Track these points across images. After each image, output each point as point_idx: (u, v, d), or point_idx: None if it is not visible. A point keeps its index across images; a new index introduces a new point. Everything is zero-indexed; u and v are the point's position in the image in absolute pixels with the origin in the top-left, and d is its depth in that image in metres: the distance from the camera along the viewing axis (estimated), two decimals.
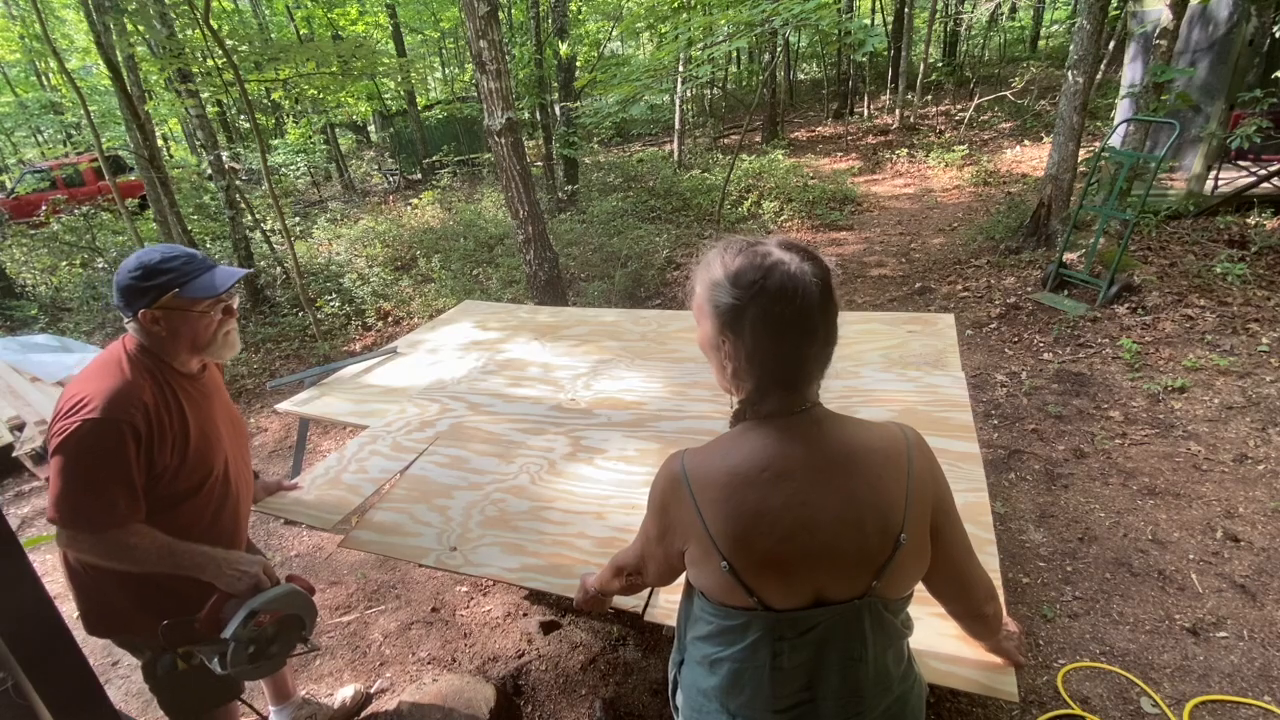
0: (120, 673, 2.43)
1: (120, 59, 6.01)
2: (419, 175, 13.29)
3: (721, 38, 5.54)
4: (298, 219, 9.41)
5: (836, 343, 0.88)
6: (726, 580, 0.88)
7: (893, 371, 2.20)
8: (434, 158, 12.10)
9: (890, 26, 14.69)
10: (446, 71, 18.87)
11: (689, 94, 14.75)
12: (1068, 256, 4.87)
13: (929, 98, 14.12)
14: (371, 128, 16.27)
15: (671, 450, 1.00)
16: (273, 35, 14.01)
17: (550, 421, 2.15)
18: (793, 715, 0.94)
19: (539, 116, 10.84)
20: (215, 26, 5.20)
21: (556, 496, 1.80)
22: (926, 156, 10.17)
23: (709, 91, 17.23)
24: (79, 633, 2.69)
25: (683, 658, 1.06)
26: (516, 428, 2.13)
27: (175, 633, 1.36)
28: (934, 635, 1.26)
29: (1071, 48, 5.30)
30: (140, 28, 6.08)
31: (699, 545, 0.89)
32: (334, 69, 6.98)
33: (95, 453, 1.23)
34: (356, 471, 1.97)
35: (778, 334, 0.83)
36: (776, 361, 0.85)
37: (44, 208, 6.78)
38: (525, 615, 2.44)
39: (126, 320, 1.37)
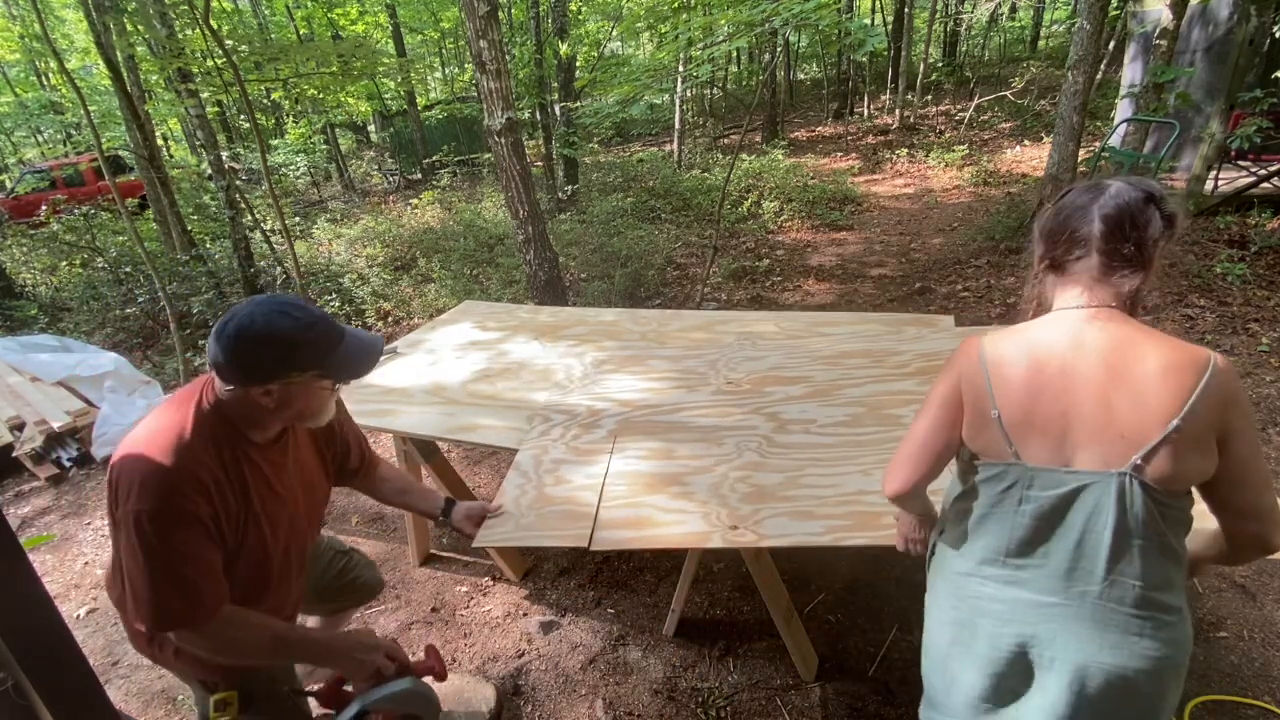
0: (120, 673, 2.43)
1: (120, 59, 6.01)
2: (419, 175, 13.29)
3: (721, 38, 5.54)
4: (298, 219, 9.41)
5: (1151, 266, 0.99)
6: (994, 430, 1.02)
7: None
8: (434, 158, 12.10)
9: (890, 26, 14.68)
10: (446, 71, 18.87)
11: (689, 94, 14.75)
12: None
13: (929, 98, 14.12)
14: (371, 128, 16.26)
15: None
16: (273, 35, 14.01)
17: (727, 405, 2.17)
18: (1023, 563, 1.05)
19: (539, 116, 10.83)
20: (215, 26, 5.19)
21: (799, 466, 1.83)
22: (926, 156, 10.17)
23: (709, 91, 17.22)
24: (79, 633, 2.69)
25: (944, 527, 1.22)
26: (694, 415, 2.13)
27: (294, 697, 1.29)
28: None
29: (1071, 48, 5.31)
30: (140, 28, 6.08)
31: (977, 403, 1.04)
32: (334, 69, 6.97)
33: (160, 545, 1.07)
34: (557, 483, 1.87)
35: (1061, 227, 1.01)
36: (1057, 249, 1.03)
37: (44, 208, 6.77)
38: (525, 615, 2.44)
39: (224, 388, 1.16)
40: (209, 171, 6.70)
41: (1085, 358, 0.97)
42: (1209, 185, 5.66)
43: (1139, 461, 0.93)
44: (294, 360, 1.14)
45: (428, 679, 1.34)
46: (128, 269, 6.32)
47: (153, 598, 1.08)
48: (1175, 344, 0.96)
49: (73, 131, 17.33)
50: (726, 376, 2.35)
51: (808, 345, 2.55)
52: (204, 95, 6.40)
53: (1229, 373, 0.94)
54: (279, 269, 6.56)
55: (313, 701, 1.36)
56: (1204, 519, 1.05)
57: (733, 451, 1.93)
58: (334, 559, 1.73)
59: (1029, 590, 1.05)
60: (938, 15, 15.25)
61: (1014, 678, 1.09)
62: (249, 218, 6.44)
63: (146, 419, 1.19)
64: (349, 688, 1.29)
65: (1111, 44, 9.14)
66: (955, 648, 1.15)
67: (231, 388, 1.15)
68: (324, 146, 12.97)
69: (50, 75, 17.16)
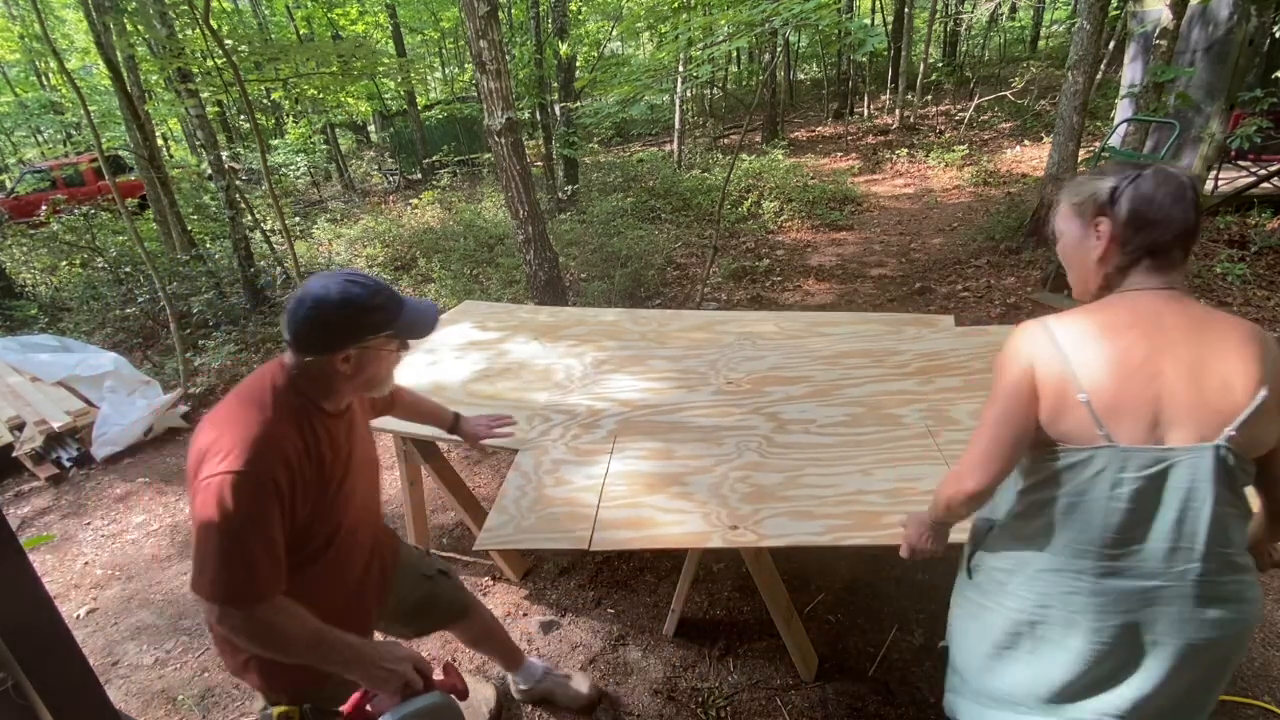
0: (120, 673, 2.43)
1: (120, 59, 6.01)
2: (419, 175, 13.29)
3: (721, 38, 5.53)
4: (298, 219, 9.42)
5: (1196, 242, 1.06)
6: (1083, 415, 1.00)
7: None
8: (434, 158, 12.09)
9: (890, 26, 14.68)
10: (446, 71, 18.86)
11: (689, 94, 14.75)
12: None
13: (929, 98, 14.12)
14: (371, 128, 16.26)
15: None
16: (273, 35, 14.01)
17: (727, 405, 2.17)
18: (1120, 551, 1.03)
19: (539, 116, 10.83)
20: (215, 26, 5.20)
21: (799, 466, 1.84)
22: (926, 156, 10.17)
23: (709, 91, 17.22)
24: (79, 633, 2.69)
25: (1001, 525, 1.20)
26: (694, 415, 2.14)
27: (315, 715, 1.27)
28: None
29: (1071, 48, 5.30)
30: (140, 28, 6.08)
31: (1059, 389, 1.02)
32: (334, 69, 6.97)
33: (235, 513, 1.09)
34: (557, 484, 1.87)
35: (1154, 208, 1.02)
36: (1152, 232, 1.03)
37: (44, 208, 6.76)
38: (525, 615, 2.44)
39: (304, 357, 1.21)
40: (209, 171, 6.70)
41: (1170, 337, 0.99)
42: (1209, 185, 5.66)
43: (1232, 433, 0.95)
44: (368, 324, 1.21)
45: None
46: (128, 269, 6.32)
47: (216, 567, 1.09)
48: (1234, 318, 1.03)
49: (73, 131, 17.33)
50: (726, 376, 2.35)
51: (807, 345, 2.55)
52: (204, 95, 6.40)
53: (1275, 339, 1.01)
54: (279, 269, 6.57)
55: None
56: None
57: (733, 451, 1.93)
58: (419, 581, 1.70)
59: (1129, 578, 1.04)
60: (938, 15, 15.25)
61: (1113, 665, 1.08)
62: (249, 218, 6.44)
63: (228, 397, 1.25)
64: (370, 707, 1.26)
65: (1111, 44, 9.14)
66: (1042, 645, 1.13)
67: (311, 359, 1.21)
68: (324, 146, 12.97)
69: (50, 75, 17.16)
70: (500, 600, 2.53)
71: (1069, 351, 1.02)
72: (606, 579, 2.58)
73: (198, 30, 5.33)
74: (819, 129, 13.82)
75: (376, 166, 14.23)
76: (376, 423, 2.31)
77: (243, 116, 13.93)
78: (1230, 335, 0.99)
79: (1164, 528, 1.00)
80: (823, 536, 1.59)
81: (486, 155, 10.76)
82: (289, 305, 1.19)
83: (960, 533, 1.35)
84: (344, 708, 1.24)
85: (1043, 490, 1.09)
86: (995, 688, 1.21)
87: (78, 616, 2.73)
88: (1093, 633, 1.07)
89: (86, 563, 3.11)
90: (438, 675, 1.34)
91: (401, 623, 1.71)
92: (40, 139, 18.62)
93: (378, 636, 1.58)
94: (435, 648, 2.36)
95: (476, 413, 1.93)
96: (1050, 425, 1.04)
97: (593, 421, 2.16)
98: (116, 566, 3.05)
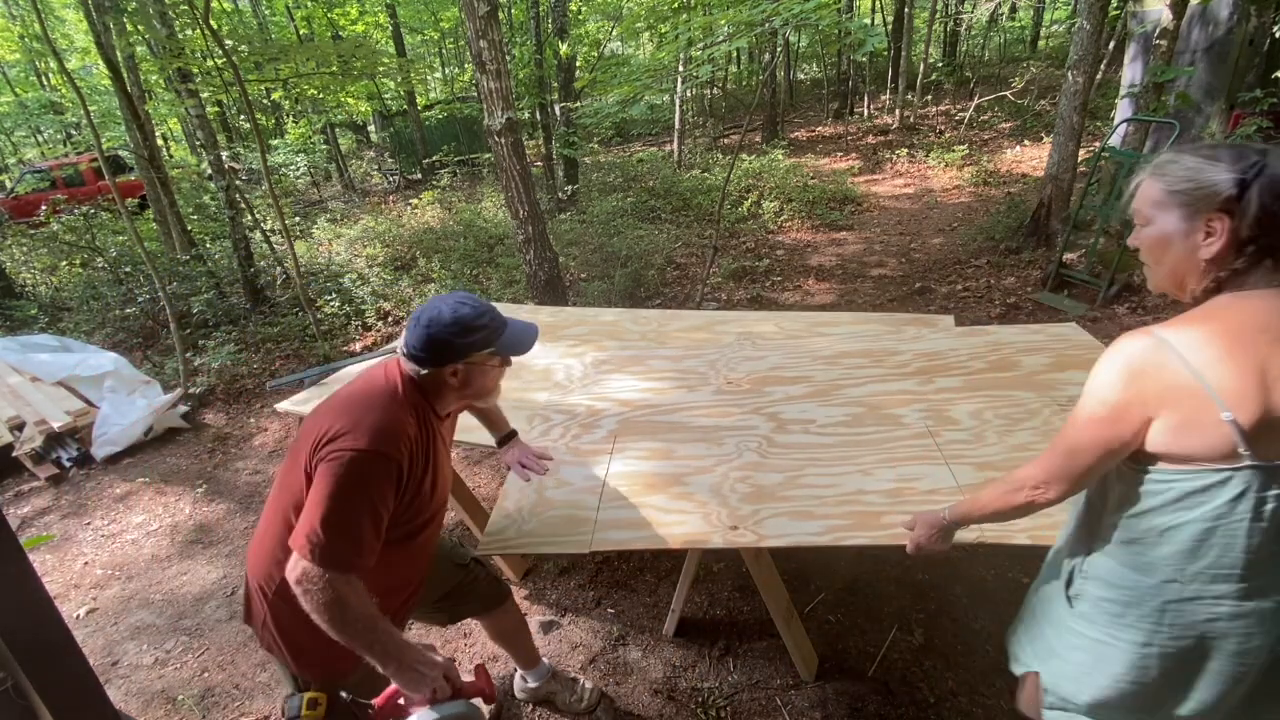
0: (120, 673, 2.43)
1: (120, 59, 6.01)
2: (419, 175, 13.29)
3: (721, 38, 5.53)
4: (298, 219, 9.41)
5: None
6: (1223, 434, 0.91)
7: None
8: (434, 158, 12.09)
9: (890, 26, 14.69)
10: (446, 71, 18.87)
11: (689, 94, 14.75)
12: (1068, 256, 4.88)
13: (929, 98, 14.12)
14: (371, 128, 16.26)
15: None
16: (273, 35, 14.01)
17: (727, 405, 2.17)
18: (1264, 571, 0.97)
19: (539, 116, 10.83)
20: (215, 26, 5.19)
21: (798, 465, 1.85)
22: (926, 156, 10.17)
23: (709, 91, 17.22)
24: (79, 633, 2.69)
25: (1090, 548, 1.14)
26: (694, 415, 2.14)
27: (353, 709, 1.33)
28: None
29: (1071, 48, 5.30)
30: (140, 28, 6.08)
31: (1187, 406, 0.93)
32: (334, 69, 6.97)
33: (358, 486, 1.19)
34: (558, 485, 1.88)
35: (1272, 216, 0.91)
36: (1278, 238, 0.92)
37: (44, 208, 6.76)
38: (525, 615, 2.44)
39: (420, 369, 1.35)
40: (209, 171, 6.70)
41: None
42: None
43: None
44: (474, 342, 1.35)
45: (477, 700, 1.36)
46: (128, 269, 6.32)
47: (323, 531, 1.17)
48: None
49: (73, 131, 17.34)
50: (726, 376, 2.35)
51: (807, 345, 2.55)
52: (204, 95, 6.40)
53: None
54: (279, 269, 6.57)
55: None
56: None
57: (733, 451, 1.93)
58: (453, 570, 1.74)
59: (1271, 598, 0.99)
60: (938, 15, 15.25)
61: (1250, 686, 1.05)
62: (249, 218, 6.44)
63: (350, 385, 1.40)
64: (401, 702, 1.30)
65: (1111, 44, 9.14)
66: (1174, 674, 1.08)
67: (426, 371, 1.35)
68: (324, 146, 12.97)
69: (50, 75, 17.16)
70: None
71: (1201, 368, 0.92)
72: (606, 579, 2.58)
73: (198, 30, 5.33)
74: (819, 129, 13.82)
75: (376, 166, 14.23)
76: None
77: (243, 116, 13.93)
78: None
79: None
80: (823, 537, 1.59)
81: (486, 155, 10.76)
82: (409, 323, 1.36)
83: (966, 532, 1.35)
84: (376, 701, 1.30)
85: (1164, 515, 1.00)
86: (1114, 716, 1.16)
87: (78, 616, 2.73)
88: (1238, 656, 1.02)
89: (86, 563, 3.11)
90: (468, 677, 1.39)
91: (434, 609, 1.75)
92: (40, 139, 18.62)
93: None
94: (435, 647, 2.36)
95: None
96: (1171, 445, 0.96)
97: (592, 421, 2.16)
98: (116, 566, 3.05)
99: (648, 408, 2.21)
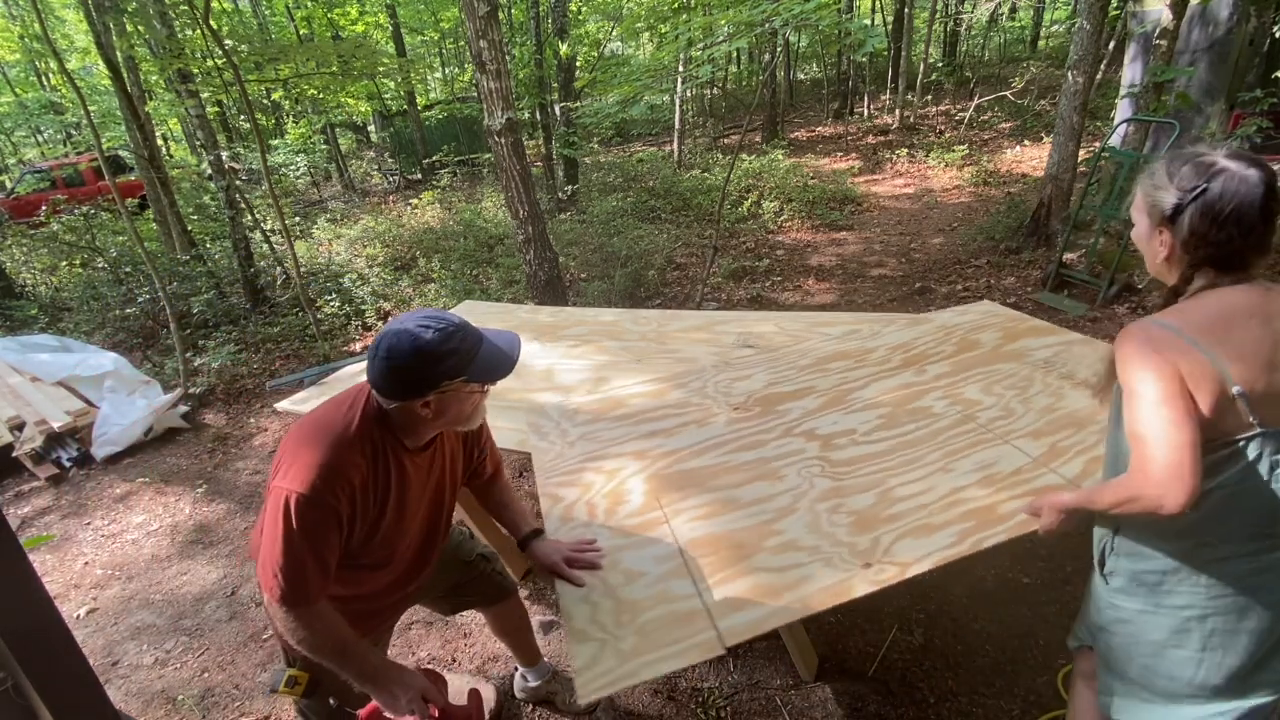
0: (120, 673, 2.43)
1: (120, 59, 6.01)
2: (419, 175, 13.29)
3: (721, 38, 5.54)
4: (298, 219, 9.41)
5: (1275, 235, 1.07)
6: (1233, 408, 1.04)
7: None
8: (434, 158, 12.09)
9: (890, 26, 14.69)
10: (446, 71, 18.87)
11: (689, 94, 14.75)
12: (1068, 256, 4.88)
13: (929, 98, 14.13)
14: (371, 128, 16.26)
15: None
16: (273, 35, 14.01)
17: (753, 433, 1.97)
18: None
19: (539, 116, 10.84)
20: (215, 26, 5.19)
21: (877, 479, 1.71)
22: (926, 156, 10.17)
23: (709, 91, 17.22)
24: (79, 633, 2.69)
25: (1117, 525, 1.24)
26: (727, 453, 1.89)
27: (340, 716, 1.39)
28: None
29: (1071, 48, 5.31)
30: (140, 28, 6.08)
31: (1206, 386, 1.04)
32: (334, 69, 6.97)
33: (297, 528, 1.19)
34: (630, 580, 1.54)
35: (1217, 227, 1.05)
36: (1213, 249, 1.07)
37: (44, 208, 6.76)
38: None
39: (389, 404, 1.26)
40: (209, 171, 6.70)
41: None
42: None
43: None
44: (442, 371, 1.21)
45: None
46: (128, 269, 6.32)
47: (271, 568, 1.21)
48: None
49: (73, 131, 17.34)
50: (729, 402, 2.17)
51: (784, 358, 2.47)
52: (204, 95, 6.40)
53: None
54: (279, 269, 6.57)
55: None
56: None
57: (800, 482, 1.74)
58: (459, 567, 1.75)
59: None
60: (938, 15, 15.25)
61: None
62: (249, 218, 6.44)
63: (319, 408, 1.33)
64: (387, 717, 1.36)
65: (1111, 44, 9.14)
66: (1215, 636, 1.16)
67: (394, 405, 1.25)
68: (324, 146, 12.97)
69: (50, 75, 17.16)
70: None
71: (1209, 349, 1.04)
72: None
73: (198, 30, 5.33)
74: (819, 129, 13.82)
75: (376, 166, 14.23)
76: None
77: (243, 116, 13.93)
78: None
79: None
80: (959, 546, 1.47)
81: (486, 155, 10.76)
82: (368, 352, 1.24)
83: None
84: (361, 713, 1.35)
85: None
86: (1164, 686, 1.22)
87: (78, 616, 2.73)
88: (1274, 609, 1.12)
89: (86, 563, 3.11)
90: (461, 700, 1.41)
91: (438, 598, 1.77)
92: (40, 139, 18.63)
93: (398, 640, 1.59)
94: (435, 647, 2.36)
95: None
96: (1211, 424, 1.05)
97: (620, 489, 1.87)
98: (116, 566, 3.05)
99: (667, 456, 1.91)
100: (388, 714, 1.34)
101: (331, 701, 1.44)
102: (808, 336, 2.64)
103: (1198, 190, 1.06)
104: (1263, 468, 1.06)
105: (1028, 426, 1.89)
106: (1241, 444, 1.05)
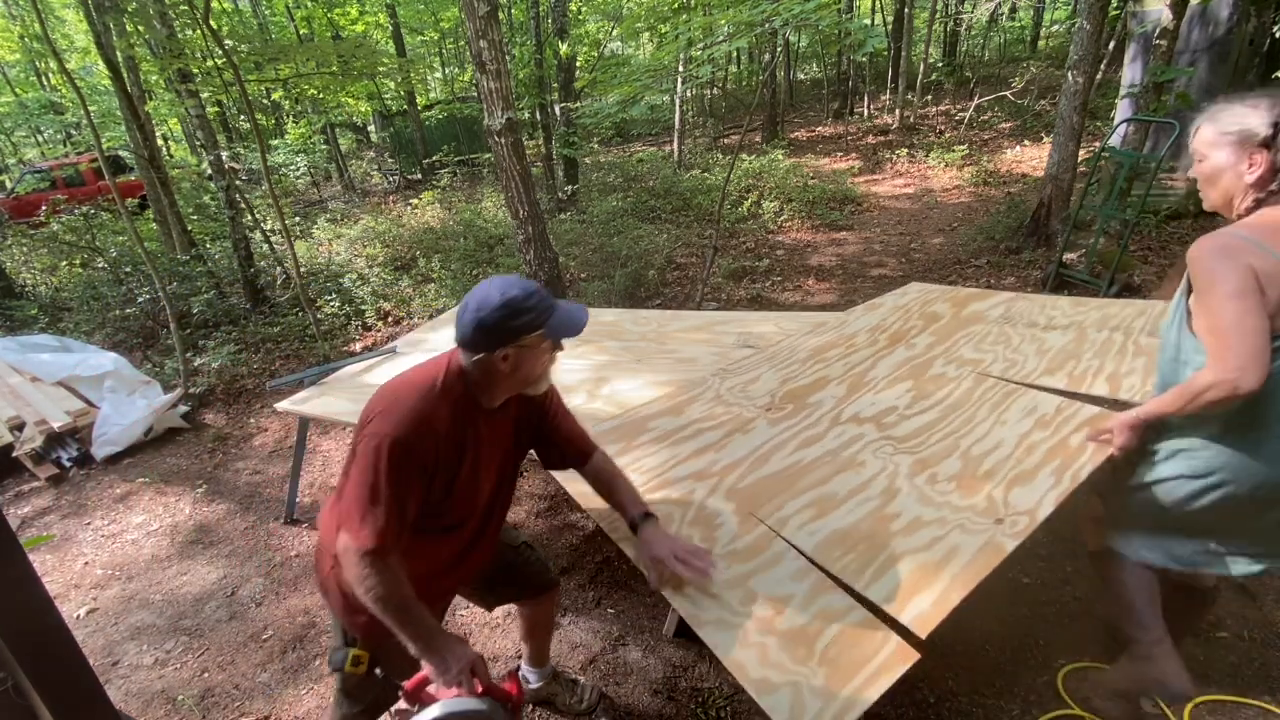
0: (120, 673, 2.43)
1: (120, 59, 6.01)
2: (419, 175, 13.29)
3: (721, 38, 5.54)
4: (298, 219, 9.42)
5: None
6: None
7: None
8: (434, 158, 12.10)
9: (890, 26, 14.69)
10: (446, 71, 18.86)
11: (689, 94, 14.75)
12: (1068, 256, 4.88)
13: (929, 98, 14.12)
14: (371, 128, 16.27)
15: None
16: (273, 35, 14.01)
17: (800, 430, 1.96)
18: None
19: (539, 116, 10.84)
20: (215, 26, 5.19)
21: (950, 447, 1.79)
22: (926, 156, 10.17)
23: (709, 91, 17.22)
24: (79, 633, 2.69)
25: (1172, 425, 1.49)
26: (788, 454, 1.86)
27: (385, 686, 1.41)
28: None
29: (1071, 48, 5.30)
30: (140, 28, 6.08)
31: (1276, 285, 1.25)
32: (334, 69, 6.97)
33: (382, 471, 1.25)
34: (780, 608, 1.42)
35: None
36: None
37: (44, 208, 6.75)
38: None
39: (472, 355, 1.34)
40: (209, 171, 6.70)
41: None
42: None
43: None
44: (524, 323, 1.31)
45: (495, 705, 1.38)
46: (128, 269, 6.32)
47: (353, 511, 1.26)
48: None
49: (73, 131, 17.34)
50: (755, 404, 2.14)
51: (779, 355, 2.49)
52: (204, 95, 6.40)
53: None
54: (279, 269, 6.57)
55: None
56: None
57: (883, 464, 1.75)
58: (505, 551, 1.75)
59: None
60: (938, 15, 15.24)
61: None
62: (249, 218, 6.44)
63: (408, 370, 1.42)
64: (430, 690, 1.35)
65: (1111, 44, 9.14)
66: (1234, 501, 1.42)
67: (478, 357, 1.33)
68: (324, 146, 12.97)
69: (50, 75, 17.17)
70: None
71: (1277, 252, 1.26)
72: (606, 579, 2.58)
73: (198, 30, 5.33)
74: (819, 129, 13.82)
75: (376, 166, 14.23)
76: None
77: (243, 116, 13.94)
78: None
79: None
80: (1064, 483, 1.58)
81: (486, 155, 10.76)
82: (459, 311, 1.35)
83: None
84: (407, 684, 1.35)
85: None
86: (1175, 526, 1.54)
87: (78, 616, 2.73)
88: None
89: (86, 563, 3.11)
90: (506, 683, 1.43)
91: (482, 589, 1.78)
92: (40, 139, 18.62)
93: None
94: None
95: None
96: (1273, 318, 1.26)
97: (626, 454, 1.92)
98: (116, 566, 3.05)
99: (732, 470, 1.81)
100: (433, 687, 1.34)
101: (377, 672, 1.46)
102: (760, 349, 2.69)
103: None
104: None
105: (1037, 368, 2.10)
106: None
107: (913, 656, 1.23)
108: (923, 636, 1.25)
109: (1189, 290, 1.42)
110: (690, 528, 1.62)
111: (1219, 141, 1.37)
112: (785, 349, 2.53)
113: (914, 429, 1.89)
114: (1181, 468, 1.49)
